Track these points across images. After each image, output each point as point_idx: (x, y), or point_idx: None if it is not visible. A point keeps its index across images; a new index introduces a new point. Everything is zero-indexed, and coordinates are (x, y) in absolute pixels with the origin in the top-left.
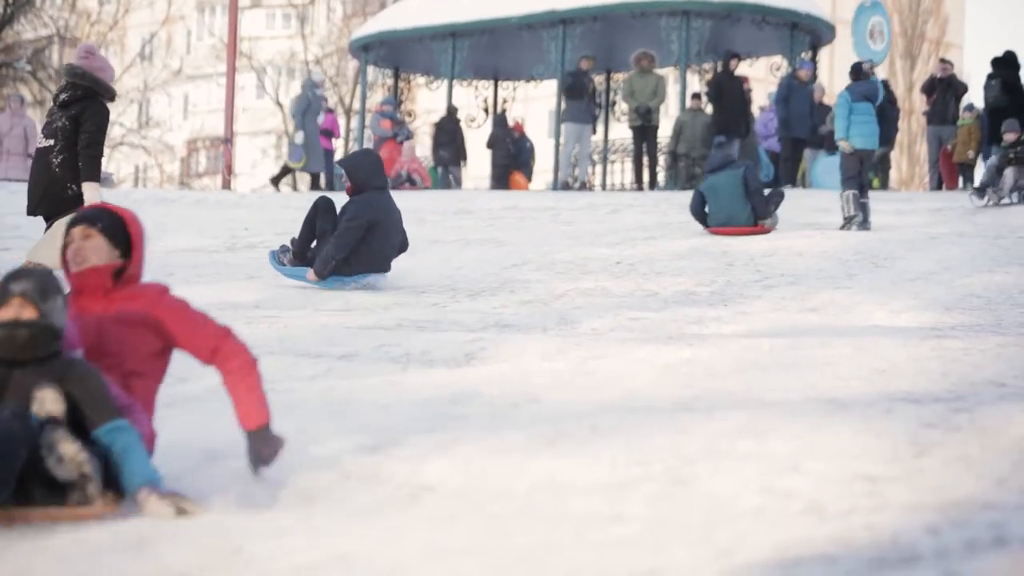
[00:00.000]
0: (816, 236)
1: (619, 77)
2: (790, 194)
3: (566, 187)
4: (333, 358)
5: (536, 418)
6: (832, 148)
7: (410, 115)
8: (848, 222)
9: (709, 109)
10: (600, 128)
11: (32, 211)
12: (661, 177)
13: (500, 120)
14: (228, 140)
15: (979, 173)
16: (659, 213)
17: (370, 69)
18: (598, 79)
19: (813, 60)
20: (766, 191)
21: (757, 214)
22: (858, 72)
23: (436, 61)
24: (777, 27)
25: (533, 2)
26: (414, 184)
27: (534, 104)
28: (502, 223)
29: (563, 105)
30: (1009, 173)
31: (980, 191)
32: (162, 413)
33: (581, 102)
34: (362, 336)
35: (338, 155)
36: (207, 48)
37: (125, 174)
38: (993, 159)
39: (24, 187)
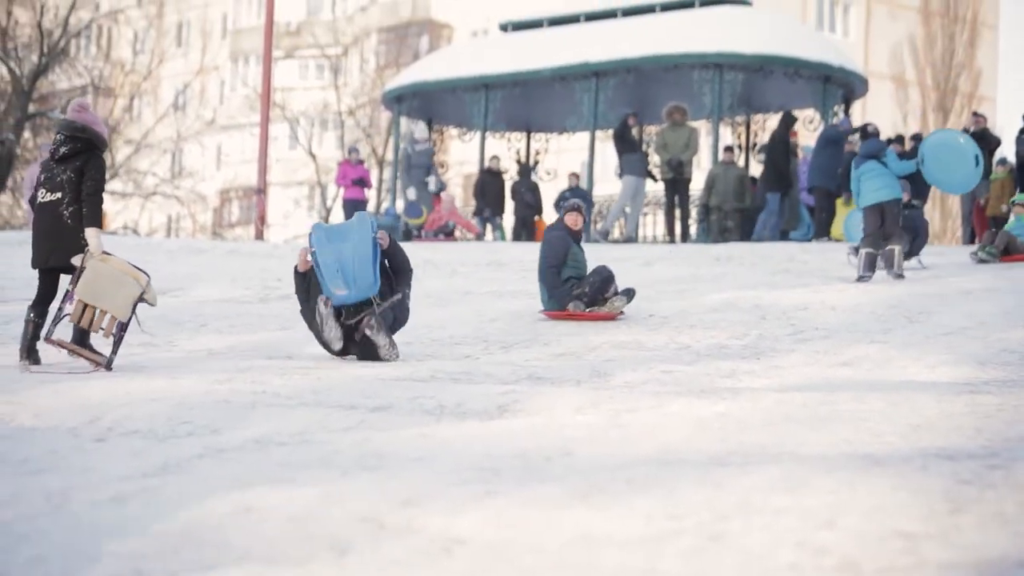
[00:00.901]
0: (850, 290)
1: (652, 130)
2: (823, 247)
3: (606, 236)
4: (367, 410)
5: (569, 471)
6: None
7: (443, 166)
8: (859, 279)
9: (741, 162)
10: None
11: (43, 263)
12: (693, 230)
13: (523, 170)
14: (261, 191)
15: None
16: (692, 266)
17: (403, 120)
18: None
19: (846, 113)
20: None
21: None
22: (864, 133)
23: (469, 112)
24: (810, 80)
25: (566, 54)
26: (452, 235)
27: (566, 156)
28: (535, 275)
29: (618, 159)
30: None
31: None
32: (194, 464)
33: (636, 155)
34: (396, 388)
35: (370, 206)
36: (240, 98)
37: (157, 224)
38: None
39: None
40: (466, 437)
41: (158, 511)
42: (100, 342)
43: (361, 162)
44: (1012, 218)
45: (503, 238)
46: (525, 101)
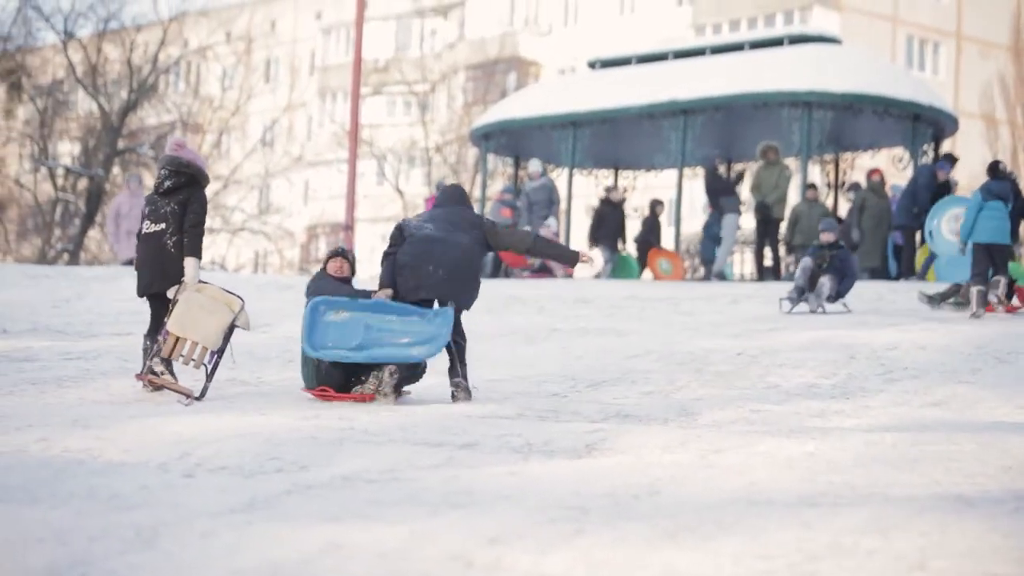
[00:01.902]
0: (939, 330)
1: (739, 167)
2: (910, 286)
3: (722, 277)
4: (454, 447)
5: (657, 510)
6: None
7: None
8: (973, 316)
9: (829, 200)
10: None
11: (145, 290)
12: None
13: (605, 199)
14: (349, 227)
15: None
16: (777, 305)
17: (490, 157)
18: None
19: (936, 151)
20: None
21: None
22: (995, 170)
23: (556, 150)
24: (899, 119)
25: (654, 92)
26: (547, 272)
27: (653, 193)
28: (622, 313)
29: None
30: (826, 281)
31: (796, 295)
32: (282, 500)
33: (733, 195)
34: (483, 425)
35: None
36: (328, 135)
37: (245, 259)
38: (807, 260)
39: None
40: (554, 475)
41: (246, 547)
42: (189, 374)
43: None
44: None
45: (626, 269)
46: (613, 138)
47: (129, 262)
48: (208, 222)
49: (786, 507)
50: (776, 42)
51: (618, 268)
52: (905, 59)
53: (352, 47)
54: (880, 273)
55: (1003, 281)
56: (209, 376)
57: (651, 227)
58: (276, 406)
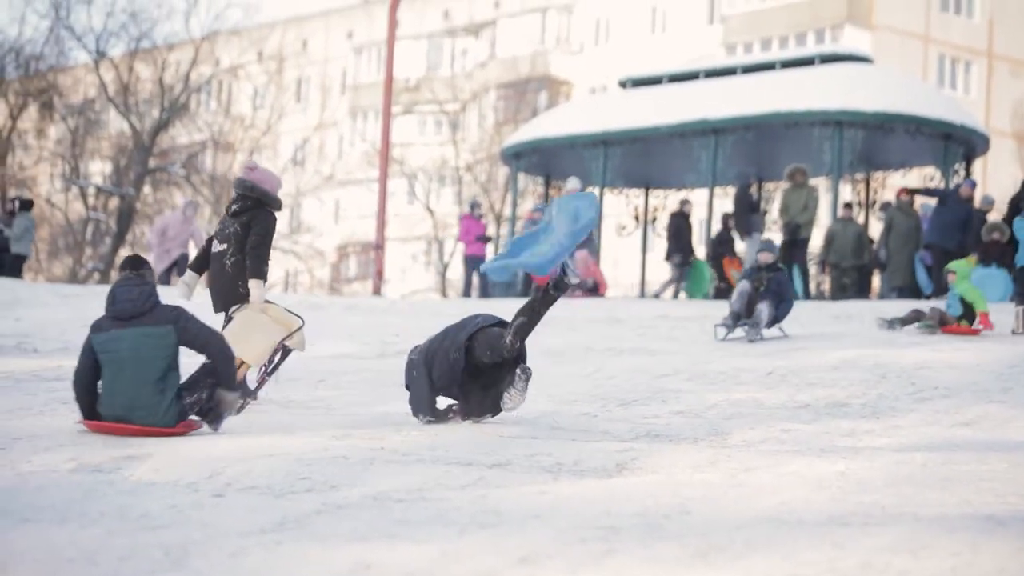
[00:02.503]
0: (970, 348)
1: (770, 187)
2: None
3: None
4: (484, 466)
5: (688, 530)
6: (988, 260)
7: None
8: (1013, 332)
9: (860, 219)
10: None
11: (215, 309)
12: (813, 287)
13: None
14: (379, 246)
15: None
16: (810, 324)
17: (521, 176)
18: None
19: (967, 171)
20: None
21: None
22: None
23: (587, 168)
24: (930, 138)
25: (685, 111)
26: (597, 291)
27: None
28: (653, 332)
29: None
30: (764, 308)
31: (731, 321)
32: (312, 520)
33: (756, 217)
34: (513, 445)
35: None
36: (359, 154)
37: (275, 278)
38: (745, 284)
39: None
40: (584, 495)
41: (276, 567)
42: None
43: (481, 217)
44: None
45: (699, 276)
46: (644, 157)
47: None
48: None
49: (817, 526)
50: (807, 61)
51: (691, 276)
52: (936, 78)
53: (383, 66)
54: (907, 292)
55: None
56: (247, 392)
57: (723, 239)
58: (305, 426)
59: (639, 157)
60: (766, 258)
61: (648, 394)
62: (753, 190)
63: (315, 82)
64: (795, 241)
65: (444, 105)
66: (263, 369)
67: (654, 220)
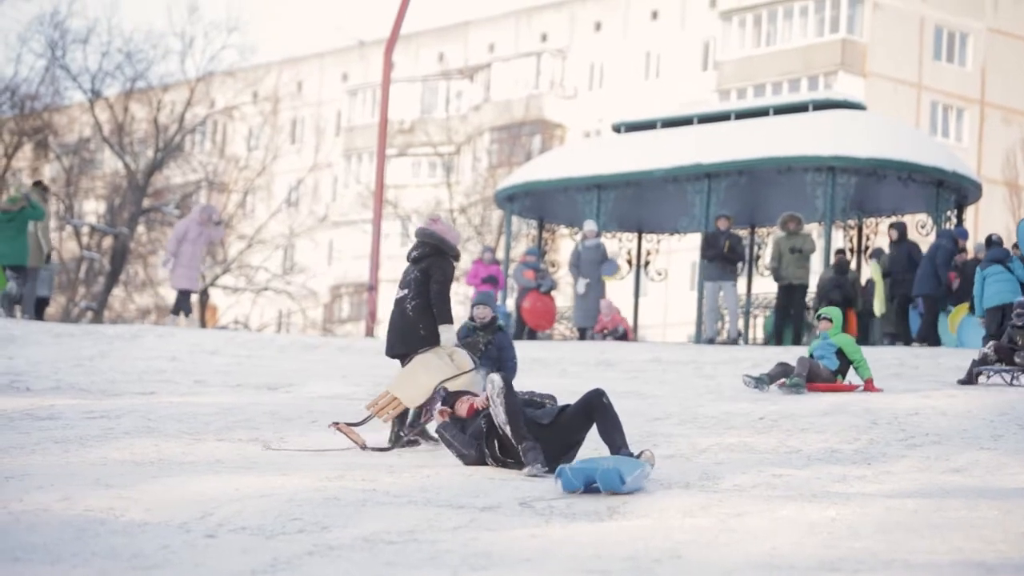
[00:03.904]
0: (960, 395)
1: (763, 232)
2: (934, 352)
3: (711, 342)
4: (476, 509)
5: (679, 574)
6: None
7: (553, 265)
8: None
9: (853, 266)
10: (742, 282)
11: (389, 352)
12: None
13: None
14: (373, 287)
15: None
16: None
17: (515, 219)
18: (743, 232)
19: (959, 218)
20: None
21: None
22: (989, 242)
23: (581, 212)
24: (923, 184)
25: (678, 156)
26: (625, 337)
27: (676, 256)
28: (645, 375)
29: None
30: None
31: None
32: (304, 561)
33: (715, 263)
34: (505, 488)
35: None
36: (353, 195)
37: (268, 319)
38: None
39: None
40: (576, 538)
41: None
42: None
43: (496, 262)
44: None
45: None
46: (637, 202)
47: (184, 293)
48: (232, 281)
49: (807, 572)
50: (800, 107)
51: None
52: (929, 125)
53: (378, 108)
54: (901, 338)
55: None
56: (397, 434)
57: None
58: (298, 467)
59: (632, 201)
60: (482, 314)
61: (639, 437)
62: (745, 234)
63: (310, 123)
64: (792, 286)
65: (438, 147)
66: (421, 412)
67: (647, 264)
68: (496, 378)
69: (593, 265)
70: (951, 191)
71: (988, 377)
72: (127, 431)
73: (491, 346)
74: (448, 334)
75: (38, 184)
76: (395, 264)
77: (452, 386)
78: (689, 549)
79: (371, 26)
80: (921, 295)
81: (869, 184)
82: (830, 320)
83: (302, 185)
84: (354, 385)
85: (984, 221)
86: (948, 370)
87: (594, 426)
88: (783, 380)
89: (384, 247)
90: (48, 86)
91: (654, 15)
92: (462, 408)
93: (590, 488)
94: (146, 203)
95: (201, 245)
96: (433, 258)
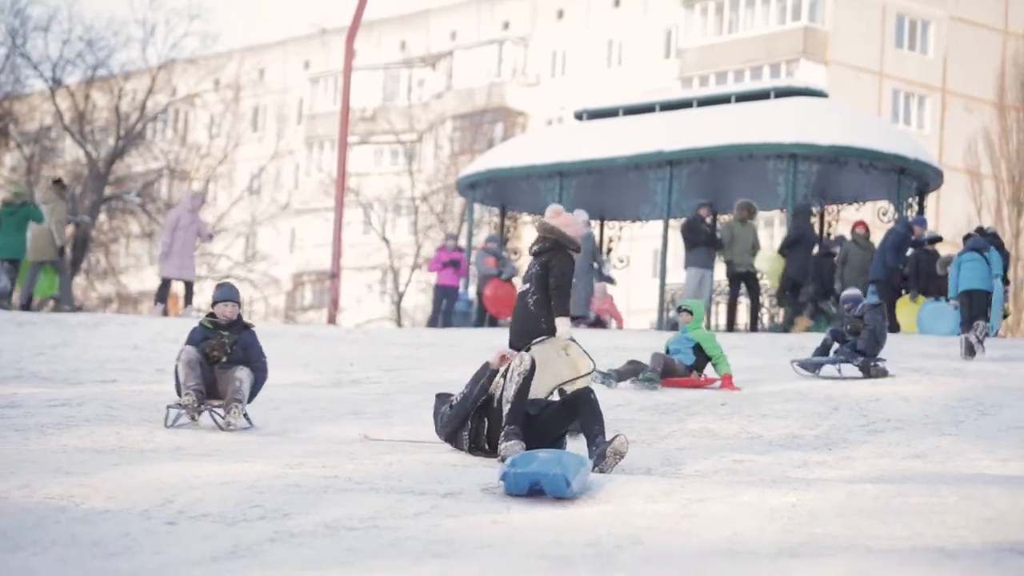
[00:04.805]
0: (922, 382)
1: (725, 218)
2: (894, 339)
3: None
4: (437, 495)
5: (640, 560)
6: (940, 294)
7: (515, 252)
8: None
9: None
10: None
11: (513, 345)
12: (767, 319)
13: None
14: (335, 275)
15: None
16: (764, 355)
17: (476, 206)
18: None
19: (920, 205)
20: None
21: None
22: (981, 232)
23: (543, 199)
24: (884, 172)
25: (640, 143)
26: (601, 325)
27: (639, 243)
28: (604, 362)
29: (684, 251)
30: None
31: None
32: (265, 548)
33: (700, 249)
34: (467, 474)
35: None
36: (315, 183)
37: None
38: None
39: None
40: (537, 524)
41: None
42: None
43: (459, 249)
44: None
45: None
46: (599, 189)
47: (167, 281)
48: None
49: (768, 558)
50: (763, 95)
51: None
52: (891, 113)
53: (340, 96)
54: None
55: (982, 324)
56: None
57: None
58: (259, 454)
59: (594, 188)
60: (227, 312)
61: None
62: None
63: (272, 111)
64: (748, 275)
65: (400, 135)
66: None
67: (609, 251)
68: (527, 358)
69: (584, 255)
70: (912, 178)
71: (816, 371)
72: (88, 419)
73: (236, 346)
74: (563, 327)
75: (57, 182)
76: (357, 252)
77: (569, 388)
78: (650, 535)
79: (333, 14)
80: (874, 281)
81: (831, 171)
82: (691, 313)
83: (264, 173)
84: (316, 373)
85: (946, 209)
86: (910, 356)
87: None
88: (633, 378)
89: (346, 235)
90: (8, 74)
91: (616, 3)
92: (494, 356)
93: (534, 491)
94: (107, 191)
95: (193, 233)
96: (553, 252)
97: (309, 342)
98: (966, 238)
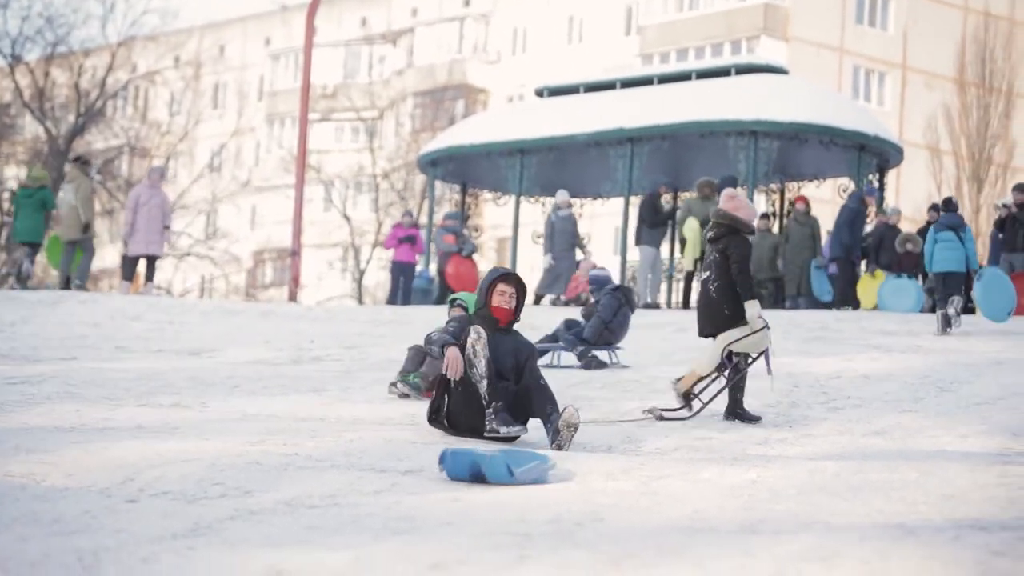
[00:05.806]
0: (882, 359)
1: (686, 196)
2: (857, 316)
3: (647, 307)
4: (398, 473)
5: (601, 537)
6: (901, 270)
7: (476, 230)
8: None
9: (775, 229)
10: (666, 247)
11: (700, 332)
12: None
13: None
14: (296, 252)
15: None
16: None
17: (437, 183)
18: (666, 197)
19: (881, 182)
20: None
21: None
22: (947, 204)
23: (504, 177)
24: (845, 148)
25: (601, 120)
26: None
27: (600, 220)
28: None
29: (639, 228)
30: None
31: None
32: (226, 526)
33: (656, 229)
34: (428, 451)
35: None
36: (276, 160)
37: (191, 284)
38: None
39: None
40: (498, 501)
41: (188, 573)
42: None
43: (415, 225)
44: None
45: None
46: (560, 166)
47: (135, 259)
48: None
49: (728, 535)
50: (723, 72)
51: None
52: (851, 89)
53: (300, 73)
54: (809, 302)
55: (957, 299)
56: (702, 401)
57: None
58: (220, 432)
59: (555, 165)
60: None
61: (563, 402)
62: (666, 200)
63: (232, 88)
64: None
65: (361, 112)
66: (711, 377)
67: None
68: (480, 331)
69: (566, 235)
70: (873, 155)
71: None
72: (48, 396)
73: None
74: (753, 310)
75: (80, 159)
76: (317, 229)
77: (738, 347)
78: (611, 512)
79: None
80: (834, 259)
81: (791, 148)
82: (464, 309)
83: (224, 150)
84: (276, 350)
85: (906, 185)
86: (871, 333)
87: None
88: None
89: (307, 212)
90: None
91: None
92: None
93: (477, 478)
94: (67, 169)
95: (156, 207)
96: (729, 237)
97: (270, 319)
98: (935, 208)
